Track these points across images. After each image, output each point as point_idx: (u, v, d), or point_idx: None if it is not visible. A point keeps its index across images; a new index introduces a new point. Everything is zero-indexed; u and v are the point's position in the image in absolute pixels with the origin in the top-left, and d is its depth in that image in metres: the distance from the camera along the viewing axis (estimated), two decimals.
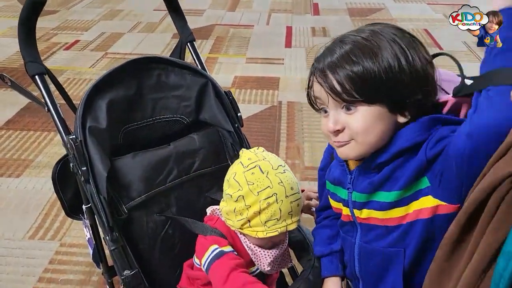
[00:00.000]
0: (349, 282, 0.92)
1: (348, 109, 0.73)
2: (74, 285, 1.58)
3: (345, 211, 0.85)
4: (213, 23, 4.23)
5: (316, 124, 2.65)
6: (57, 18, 4.27)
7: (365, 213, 0.81)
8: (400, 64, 0.70)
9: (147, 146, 1.12)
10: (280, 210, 0.86)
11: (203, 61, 1.27)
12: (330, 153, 0.90)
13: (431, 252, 0.75)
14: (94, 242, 1.11)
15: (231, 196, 0.90)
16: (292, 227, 0.89)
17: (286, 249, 1.00)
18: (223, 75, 3.19)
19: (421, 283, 0.77)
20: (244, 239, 0.94)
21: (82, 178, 0.98)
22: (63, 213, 1.17)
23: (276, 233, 0.88)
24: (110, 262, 1.06)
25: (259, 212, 0.87)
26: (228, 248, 0.91)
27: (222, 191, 0.95)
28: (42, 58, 1.04)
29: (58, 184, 1.09)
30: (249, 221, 0.89)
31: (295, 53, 3.61)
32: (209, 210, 1.01)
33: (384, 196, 0.77)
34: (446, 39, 3.76)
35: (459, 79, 0.73)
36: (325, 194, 0.94)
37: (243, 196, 0.88)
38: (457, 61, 0.77)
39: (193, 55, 1.28)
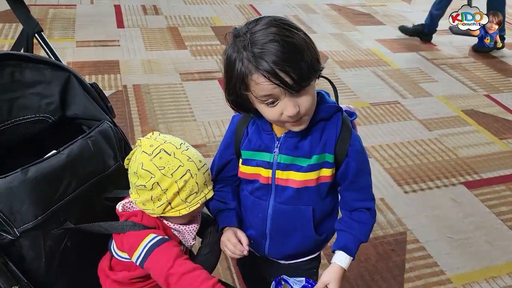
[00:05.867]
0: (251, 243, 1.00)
1: (298, 92, 0.83)
2: None
3: (266, 173, 0.96)
4: (26, 3, 3.75)
5: (167, 104, 2.66)
6: None
7: (286, 174, 0.94)
8: (312, 43, 0.86)
9: (13, 151, 1.01)
10: (197, 184, 0.91)
11: (56, 53, 1.18)
12: (232, 132, 1.00)
13: (327, 207, 0.99)
14: None
15: (145, 186, 0.89)
16: (210, 195, 0.94)
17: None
18: None
19: (326, 232, 1.02)
20: (168, 223, 0.96)
21: None
22: None
23: (198, 205, 0.92)
24: None
25: (178, 192, 0.89)
26: (166, 237, 0.91)
27: (116, 189, 0.92)
28: None
29: None
30: (169, 203, 0.90)
31: (130, 34, 3.49)
32: (119, 206, 0.97)
33: (304, 161, 0.93)
34: (270, 14, 4.09)
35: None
36: (227, 167, 1.03)
37: (157, 183, 0.88)
38: (334, 85, 0.98)
39: (44, 47, 1.18)
